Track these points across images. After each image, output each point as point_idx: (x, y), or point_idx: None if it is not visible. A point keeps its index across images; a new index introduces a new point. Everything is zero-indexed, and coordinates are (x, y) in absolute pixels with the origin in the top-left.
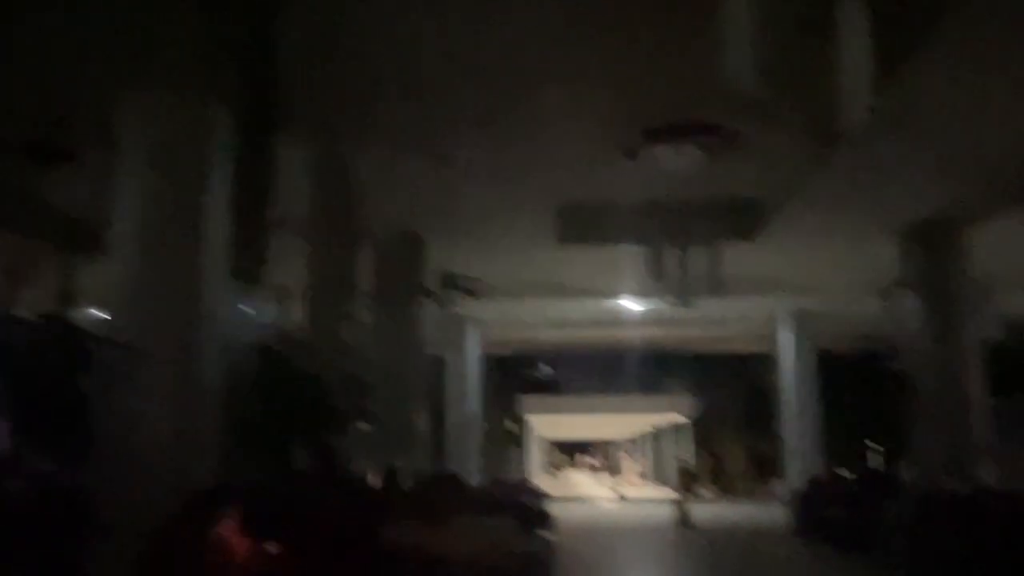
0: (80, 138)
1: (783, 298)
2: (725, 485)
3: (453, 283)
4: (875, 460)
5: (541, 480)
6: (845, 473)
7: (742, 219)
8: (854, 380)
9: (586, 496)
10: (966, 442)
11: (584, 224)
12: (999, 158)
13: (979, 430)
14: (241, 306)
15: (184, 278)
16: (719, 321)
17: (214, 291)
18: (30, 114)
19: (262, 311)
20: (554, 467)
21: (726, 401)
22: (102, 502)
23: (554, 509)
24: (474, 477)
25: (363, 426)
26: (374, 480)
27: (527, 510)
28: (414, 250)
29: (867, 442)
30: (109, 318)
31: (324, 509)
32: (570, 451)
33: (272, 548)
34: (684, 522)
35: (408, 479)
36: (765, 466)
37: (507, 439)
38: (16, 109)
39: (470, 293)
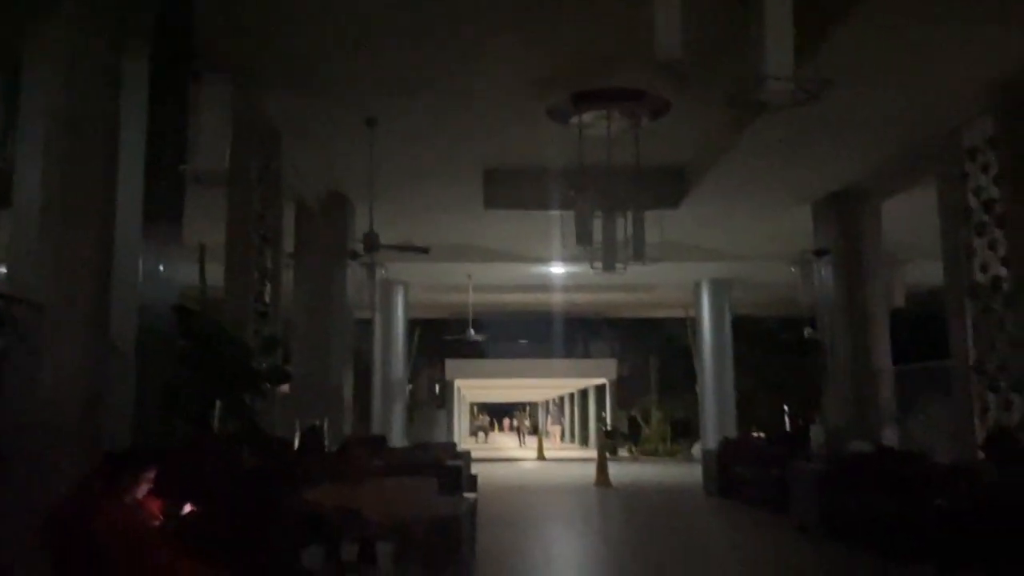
0: None
1: (704, 264)
2: (645, 446)
3: (378, 243)
4: (791, 422)
5: (466, 442)
6: (763, 434)
7: (667, 186)
8: (769, 345)
9: (510, 457)
10: (871, 405)
11: (511, 188)
12: (909, 132)
13: (883, 393)
14: (157, 264)
15: (94, 234)
16: (642, 287)
17: (127, 248)
18: None
19: (179, 270)
20: (479, 429)
21: (647, 365)
22: (12, 466)
23: (478, 470)
24: (399, 439)
25: (283, 388)
26: (295, 441)
27: (451, 472)
28: (340, 211)
29: (780, 404)
30: (14, 275)
31: (243, 470)
32: (495, 413)
33: (189, 511)
34: (605, 482)
35: (331, 440)
36: (683, 427)
37: (432, 402)
38: None
39: (420, 251)
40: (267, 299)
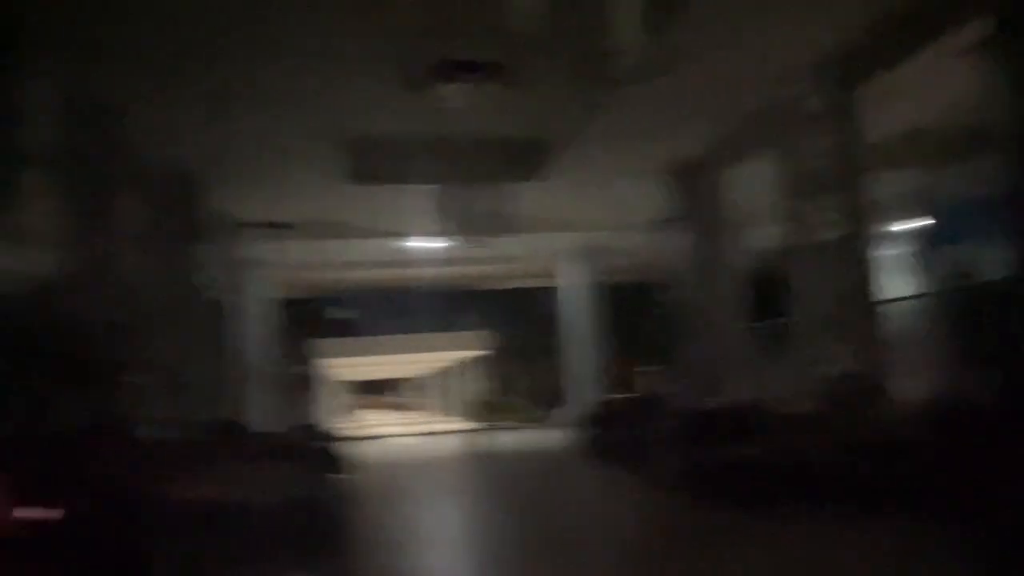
0: None
1: (567, 234)
2: (517, 414)
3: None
4: (650, 383)
5: (337, 422)
6: (625, 396)
7: (527, 157)
8: (631, 310)
9: (384, 435)
10: (724, 362)
11: (373, 162)
12: (753, 103)
13: (735, 351)
14: None
15: None
16: (508, 258)
17: None
18: None
19: (15, 258)
20: (351, 408)
21: (516, 334)
22: None
23: (350, 450)
24: (264, 424)
25: (137, 376)
26: (152, 432)
27: (319, 454)
28: (191, 189)
29: (642, 366)
30: None
31: (98, 466)
32: (367, 391)
33: (47, 512)
34: (481, 452)
35: (190, 429)
36: (552, 393)
37: (299, 383)
38: None
39: (281, 227)
40: (113, 284)
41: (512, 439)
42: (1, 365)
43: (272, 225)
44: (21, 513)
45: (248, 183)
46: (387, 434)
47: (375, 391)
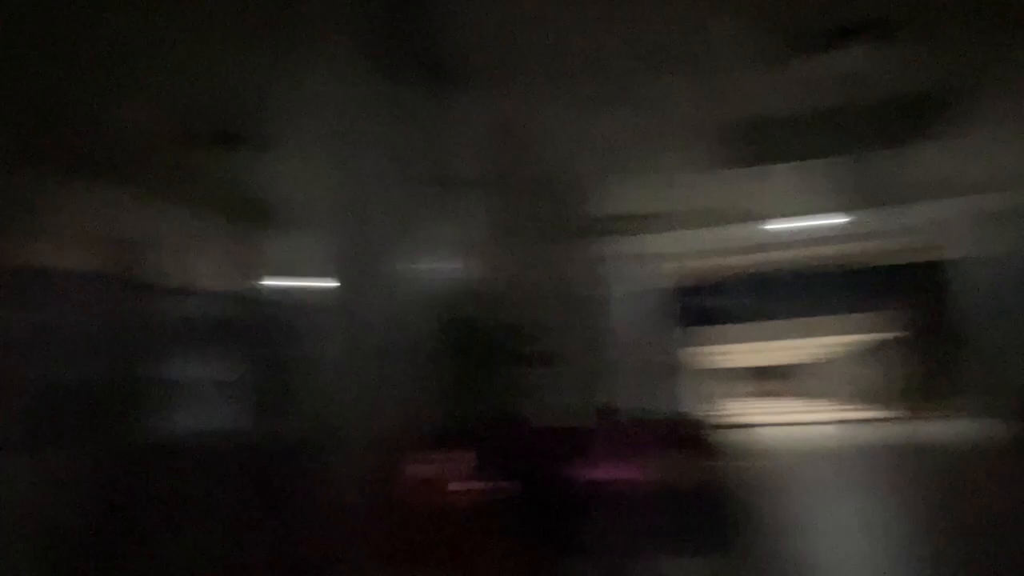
0: (261, 123)
1: (978, 198)
2: (931, 402)
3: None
4: None
5: (723, 409)
6: None
7: (925, 117)
8: None
9: (774, 423)
10: None
11: (750, 144)
12: None
13: None
14: (434, 264)
15: (375, 243)
16: (908, 230)
17: (408, 253)
18: (214, 105)
19: (449, 267)
20: (737, 395)
21: (920, 315)
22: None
23: (739, 437)
24: (652, 412)
25: (547, 369)
26: (568, 421)
27: (709, 441)
28: (581, 190)
29: None
30: (311, 285)
31: (518, 450)
32: (755, 377)
33: (506, 485)
34: (891, 443)
35: (589, 417)
36: (970, 379)
37: (694, 371)
38: (205, 102)
39: (651, 218)
40: (530, 285)
41: (919, 430)
42: (464, 362)
43: (667, 216)
44: (482, 486)
45: (633, 179)
46: (780, 422)
47: (763, 377)
